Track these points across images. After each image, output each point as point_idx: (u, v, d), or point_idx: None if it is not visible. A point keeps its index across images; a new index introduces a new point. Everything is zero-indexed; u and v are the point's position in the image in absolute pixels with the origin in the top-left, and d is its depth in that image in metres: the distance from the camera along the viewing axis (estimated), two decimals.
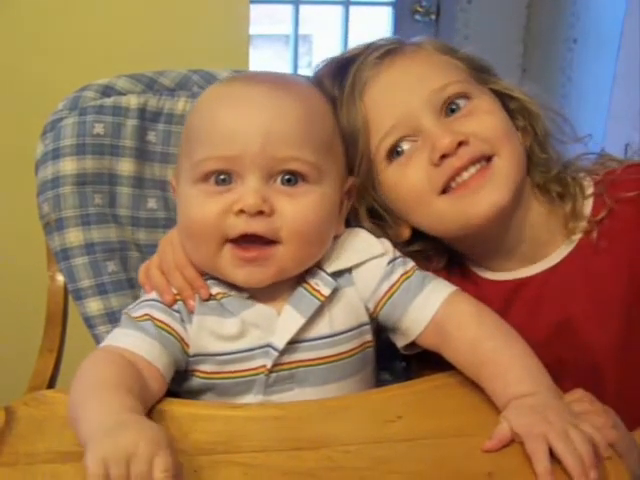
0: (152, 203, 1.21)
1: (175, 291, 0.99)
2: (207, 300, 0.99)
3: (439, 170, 1.00)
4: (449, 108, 1.03)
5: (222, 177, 0.94)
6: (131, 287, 1.17)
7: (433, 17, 2.87)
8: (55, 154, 1.16)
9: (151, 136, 1.20)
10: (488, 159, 1.01)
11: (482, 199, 0.99)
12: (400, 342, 1.04)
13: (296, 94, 0.98)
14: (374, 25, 3.10)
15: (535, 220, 1.07)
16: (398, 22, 2.89)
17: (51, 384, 1.23)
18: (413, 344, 1.03)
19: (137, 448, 0.72)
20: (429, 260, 1.11)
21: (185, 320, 0.98)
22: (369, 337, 1.04)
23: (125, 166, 1.19)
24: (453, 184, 1.01)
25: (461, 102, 1.03)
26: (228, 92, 0.99)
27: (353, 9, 2.93)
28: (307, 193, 0.95)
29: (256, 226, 0.92)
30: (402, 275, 1.02)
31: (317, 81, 1.10)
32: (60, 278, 1.25)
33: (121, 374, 0.88)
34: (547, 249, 1.08)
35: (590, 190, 1.08)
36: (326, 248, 1.01)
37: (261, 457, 0.82)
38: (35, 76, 1.76)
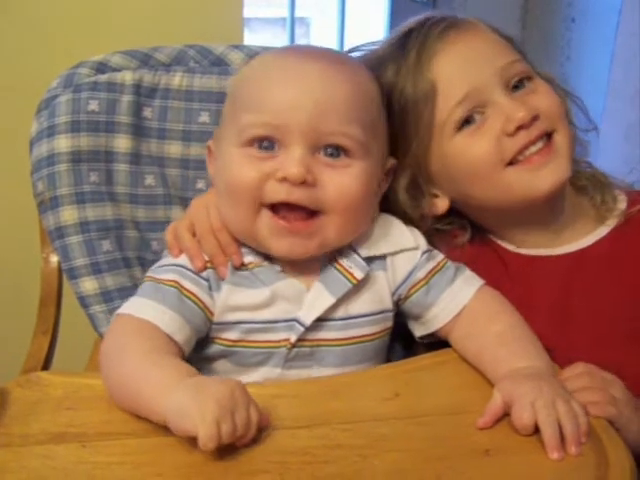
0: (150, 180, 1.20)
1: (206, 257, 0.99)
2: (239, 268, 0.99)
3: (512, 140, 1.03)
4: (514, 85, 1.06)
5: (265, 144, 0.95)
6: (126, 266, 1.16)
7: None
8: (50, 132, 1.15)
9: (147, 112, 1.19)
10: (548, 136, 1.05)
11: (547, 175, 1.03)
12: (420, 331, 1.06)
13: (348, 71, 0.99)
14: (371, 6, 3.08)
15: (567, 203, 1.10)
16: (395, 4, 2.88)
17: (45, 366, 1.23)
18: (431, 334, 1.05)
19: (237, 399, 0.78)
20: (454, 235, 1.14)
21: (213, 288, 0.98)
22: (390, 323, 1.05)
23: (121, 143, 1.18)
24: (520, 157, 1.04)
25: (525, 81, 1.07)
26: (281, 63, 1.00)
27: None
28: (350, 166, 0.96)
29: (299, 195, 0.93)
30: (437, 265, 1.05)
31: (368, 58, 1.13)
32: (54, 259, 1.24)
33: (160, 341, 0.90)
34: (573, 233, 1.11)
35: (621, 194, 1.13)
36: (366, 225, 1.03)
37: (257, 435, 0.81)
38: (29, 54, 1.74)
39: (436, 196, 1.12)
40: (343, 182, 0.95)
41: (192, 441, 0.79)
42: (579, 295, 1.07)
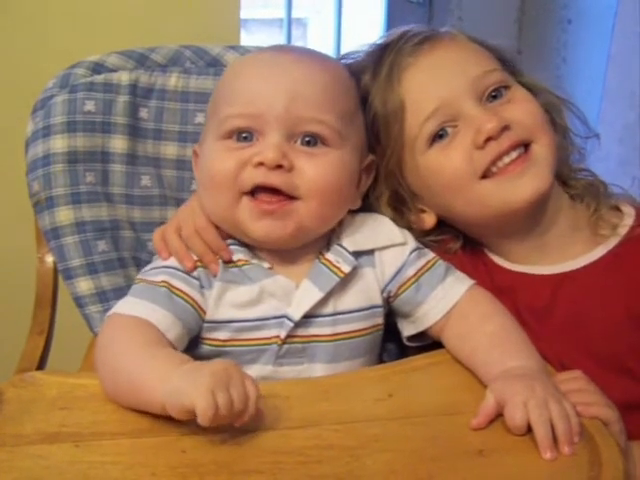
0: (146, 180, 1.20)
1: (195, 257, 1.00)
2: (228, 265, 1.00)
3: (482, 153, 1.01)
4: (491, 95, 1.05)
5: (244, 135, 0.97)
6: (122, 267, 1.16)
7: None
8: (45, 132, 1.15)
9: (143, 113, 1.19)
10: (526, 146, 1.03)
11: (525, 184, 1.01)
12: (409, 330, 1.06)
13: (323, 63, 1.02)
14: (368, 7, 3.08)
15: (559, 214, 1.08)
16: (392, 4, 2.88)
17: (40, 366, 1.23)
18: (420, 335, 1.05)
19: (231, 374, 0.79)
20: (446, 243, 1.13)
21: (205, 286, 0.99)
22: (380, 320, 1.05)
23: (117, 143, 1.18)
24: (494, 168, 1.02)
25: (502, 90, 1.05)
26: (257, 58, 1.04)
27: None
28: (326, 154, 0.97)
29: (274, 179, 0.95)
30: (427, 262, 1.05)
31: (349, 66, 1.12)
32: (49, 260, 1.24)
33: (153, 335, 0.91)
34: (565, 252, 1.08)
35: (629, 209, 1.10)
36: (343, 213, 1.03)
37: (250, 436, 0.81)
38: (25, 54, 1.74)
39: (423, 211, 1.11)
40: (318, 169, 0.96)
41: (185, 441, 0.80)
42: (561, 321, 1.04)
